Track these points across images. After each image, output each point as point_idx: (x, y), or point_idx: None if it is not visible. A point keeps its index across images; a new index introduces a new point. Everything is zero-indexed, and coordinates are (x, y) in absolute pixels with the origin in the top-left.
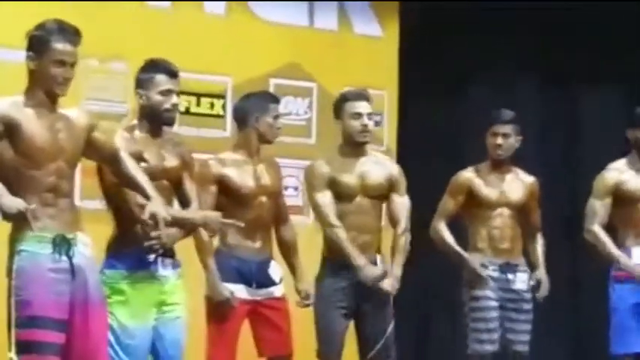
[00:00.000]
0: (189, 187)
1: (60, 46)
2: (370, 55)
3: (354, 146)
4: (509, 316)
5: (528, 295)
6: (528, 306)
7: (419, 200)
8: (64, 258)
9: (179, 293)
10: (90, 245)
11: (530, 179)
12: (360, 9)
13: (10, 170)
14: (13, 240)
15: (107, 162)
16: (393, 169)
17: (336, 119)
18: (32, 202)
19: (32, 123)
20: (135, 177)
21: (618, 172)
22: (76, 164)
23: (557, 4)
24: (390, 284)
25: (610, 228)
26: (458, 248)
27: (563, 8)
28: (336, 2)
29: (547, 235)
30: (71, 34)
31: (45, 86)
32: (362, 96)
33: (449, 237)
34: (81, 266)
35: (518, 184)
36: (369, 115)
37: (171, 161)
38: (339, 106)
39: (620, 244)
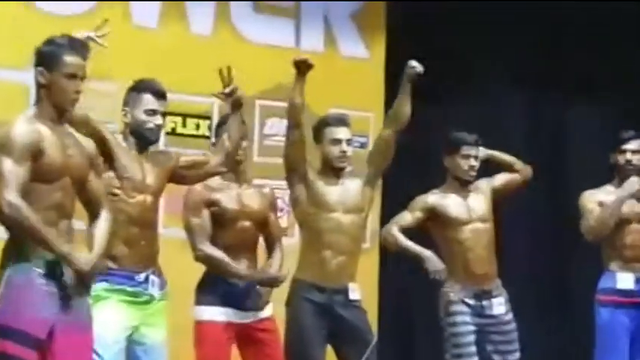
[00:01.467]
0: None
1: (71, 59)
2: (356, 76)
3: (332, 171)
4: (492, 339)
5: (508, 317)
6: (510, 327)
7: None
8: (54, 283)
9: (162, 315)
10: None
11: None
12: (346, 31)
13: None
14: (8, 254)
15: (88, 208)
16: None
17: (316, 143)
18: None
19: (47, 139)
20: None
21: (605, 194)
22: (79, 184)
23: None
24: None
25: (596, 247)
26: (417, 248)
27: (548, 16)
28: (322, 24)
29: (533, 247)
30: (81, 47)
31: (56, 100)
32: (342, 122)
33: (404, 239)
34: (69, 292)
35: (480, 197)
36: (349, 140)
37: (152, 179)
38: (319, 130)
39: (604, 266)
